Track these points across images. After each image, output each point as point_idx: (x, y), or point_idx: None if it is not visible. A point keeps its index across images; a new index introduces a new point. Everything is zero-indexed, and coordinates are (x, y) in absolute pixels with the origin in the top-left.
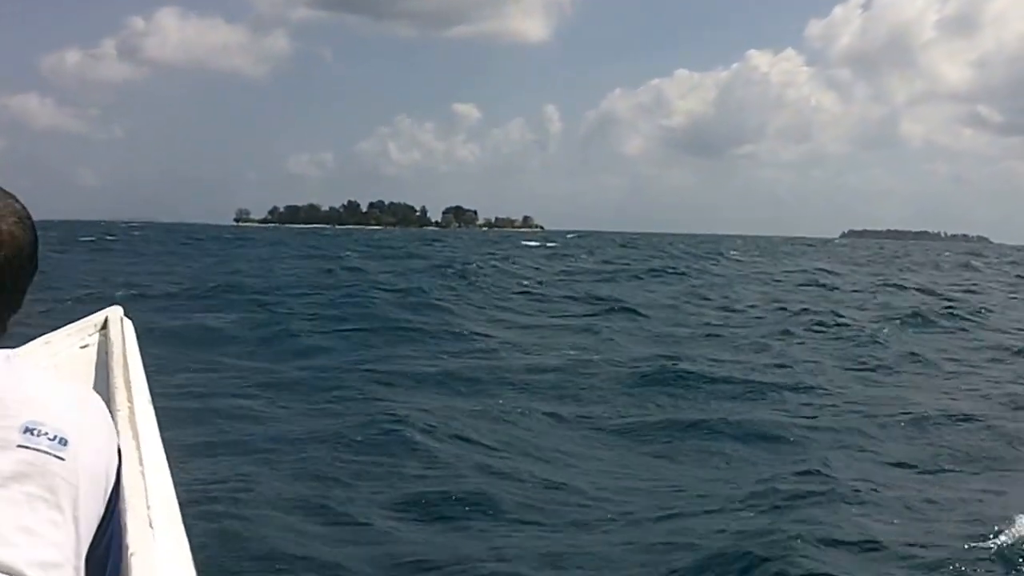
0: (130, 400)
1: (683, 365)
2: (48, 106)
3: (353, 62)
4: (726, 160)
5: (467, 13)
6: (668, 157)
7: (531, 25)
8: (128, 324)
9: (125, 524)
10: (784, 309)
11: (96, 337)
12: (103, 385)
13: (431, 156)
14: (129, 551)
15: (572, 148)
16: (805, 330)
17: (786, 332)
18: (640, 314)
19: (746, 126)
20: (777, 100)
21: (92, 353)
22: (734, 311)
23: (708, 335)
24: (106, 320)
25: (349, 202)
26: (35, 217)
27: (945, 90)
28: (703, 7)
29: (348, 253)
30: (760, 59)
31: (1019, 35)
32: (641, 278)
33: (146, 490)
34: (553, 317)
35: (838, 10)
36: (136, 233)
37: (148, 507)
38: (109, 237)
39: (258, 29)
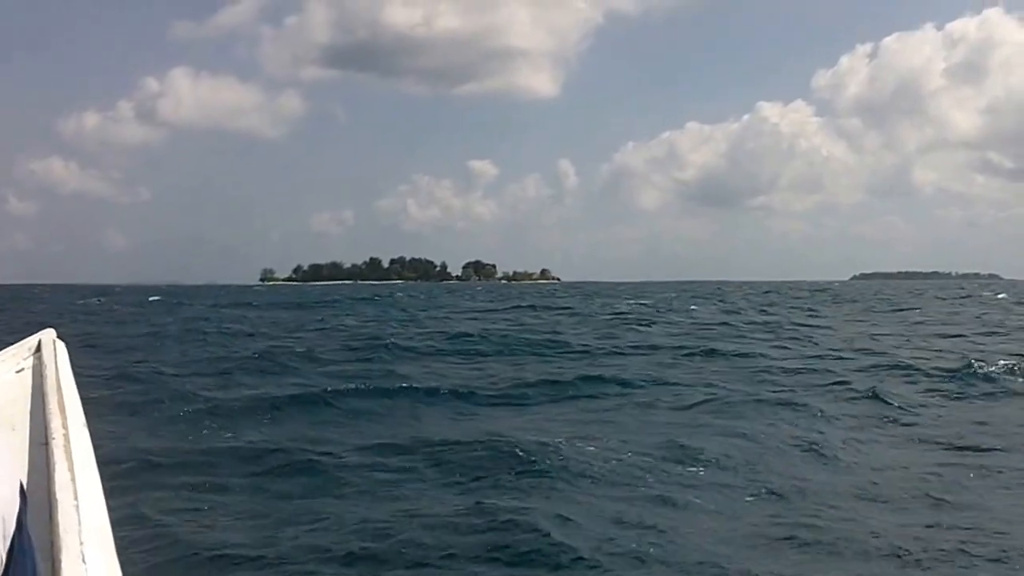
0: (65, 427)
1: None
2: (73, 170)
3: (366, 120)
4: (739, 211)
5: (474, 70)
6: (682, 209)
7: (540, 80)
8: (61, 346)
9: (60, 560)
10: None
11: (31, 360)
12: (39, 411)
13: (449, 212)
14: None
15: (587, 202)
16: None
17: None
18: None
19: (758, 177)
20: (788, 151)
21: (28, 377)
22: None
23: None
24: (39, 343)
25: (371, 259)
26: (71, 281)
27: (956, 137)
28: (711, 59)
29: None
30: (770, 111)
31: None
32: None
33: (80, 524)
34: None
35: (844, 60)
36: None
37: (81, 543)
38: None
39: (270, 88)
